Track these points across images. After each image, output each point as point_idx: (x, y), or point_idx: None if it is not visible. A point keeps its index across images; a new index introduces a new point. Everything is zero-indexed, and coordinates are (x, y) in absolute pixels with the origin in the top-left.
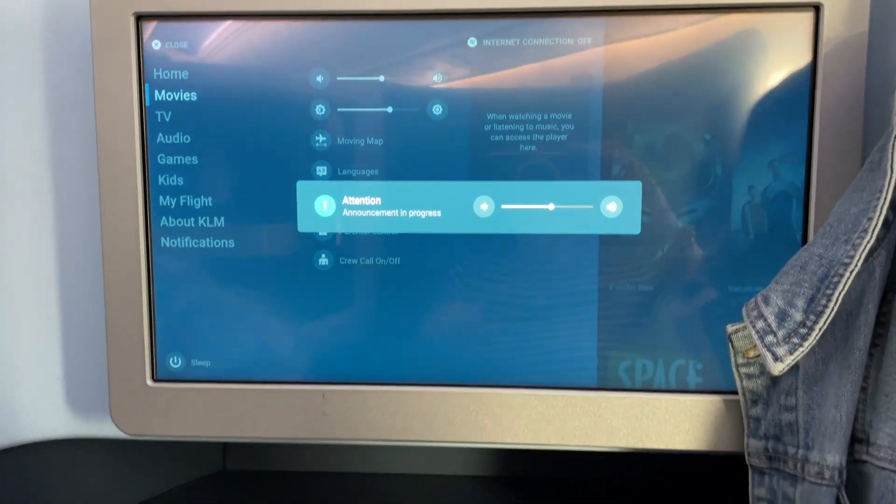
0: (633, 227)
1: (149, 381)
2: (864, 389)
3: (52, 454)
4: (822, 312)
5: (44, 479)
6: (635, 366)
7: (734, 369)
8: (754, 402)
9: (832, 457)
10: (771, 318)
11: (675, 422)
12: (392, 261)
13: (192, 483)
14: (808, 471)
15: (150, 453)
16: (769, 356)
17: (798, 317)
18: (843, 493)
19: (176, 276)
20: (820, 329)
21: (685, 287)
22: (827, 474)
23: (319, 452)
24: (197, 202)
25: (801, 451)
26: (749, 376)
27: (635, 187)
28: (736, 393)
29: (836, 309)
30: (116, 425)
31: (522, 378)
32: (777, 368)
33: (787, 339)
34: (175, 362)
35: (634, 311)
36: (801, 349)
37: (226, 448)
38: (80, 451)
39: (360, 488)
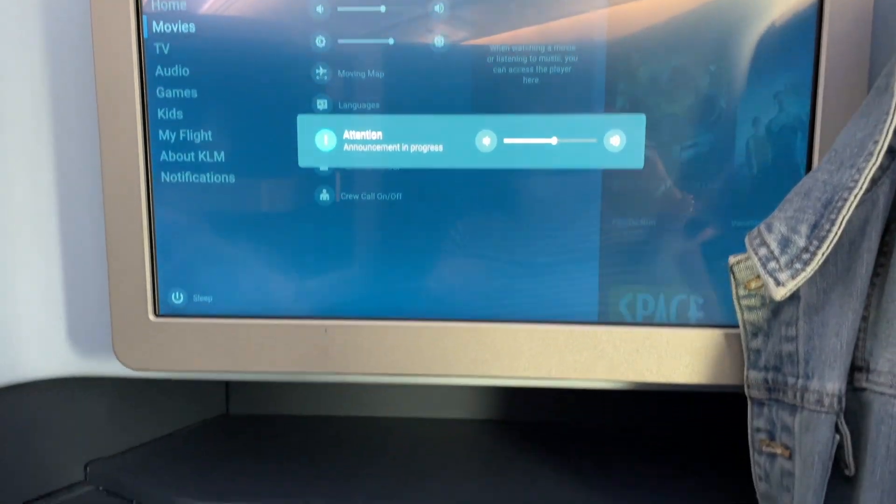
0: (637, 162)
1: (151, 317)
2: (864, 318)
3: (54, 393)
4: (825, 238)
5: (46, 419)
6: (636, 301)
7: (735, 301)
8: (755, 335)
9: (832, 384)
10: (774, 245)
11: (675, 356)
12: (393, 196)
13: (195, 426)
14: (807, 399)
15: (153, 395)
16: (771, 282)
17: (801, 242)
18: (842, 419)
19: (177, 212)
20: (823, 254)
21: (688, 222)
22: (826, 402)
23: (321, 396)
24: (197, 136)
25: (800, 381)
26: (750, 308)
27: (639, 121)
28: (736, 326)
29: (839, 234)
30: (119, 360)
31: (523, 313)
32: (779, 294)
33: (789, 264)
34: (177, 298)
35: (636, 246)
36: (803, 274)
37: (228, 392)
38: (83, 390)
39: (362, 431)
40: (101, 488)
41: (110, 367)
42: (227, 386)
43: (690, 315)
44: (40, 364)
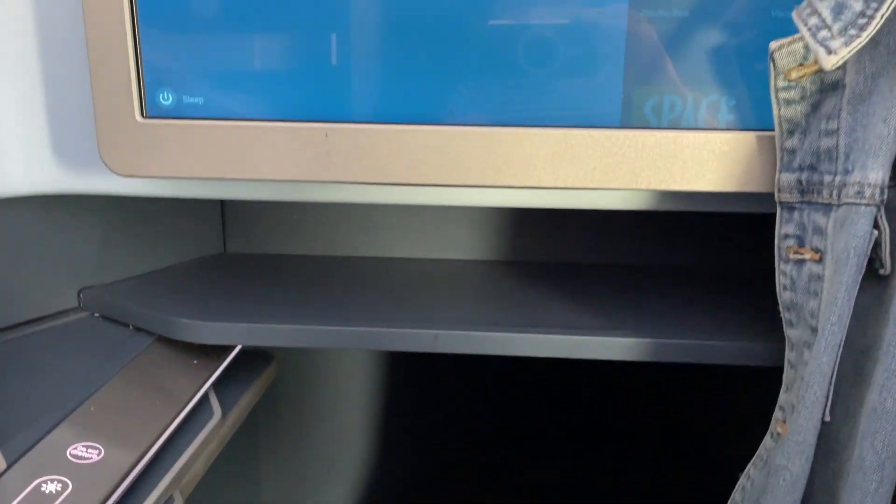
0: None
1: (138, 118)
2: None
3: (44, 214)
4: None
5: (36, 240)
6: (663, 103)
7: (773, 96)
8: (791, 133)
9: (874, 174)
10: (826, 13)
11: (701, 161)
12: None
13: (191, 262)
14: (845, 194)
15: (148, 228)
16: (822, 50)
17: (857, 6)
18: (882, 213)
19: (162, 3)
20: (882, 16)
21: (723, 12)
22: (867, 193)
23: (322, 235)
24: None
25: (838, 178)
26: (788, 102)
27: None
28: (768, 129)
29: None
30: (106, 164)
31: (540, 117)
32: (830, 63)
33: (843, 31)
34: (165, 98)
35: (666, 42)
36: (858, 41)
37: (225, 228)
38: (73, 215)
39: (364, 269)
40: (95, 314)
41: (99, 183)
42: (224, 222)
43: (720, 118)
44: (24, 179)
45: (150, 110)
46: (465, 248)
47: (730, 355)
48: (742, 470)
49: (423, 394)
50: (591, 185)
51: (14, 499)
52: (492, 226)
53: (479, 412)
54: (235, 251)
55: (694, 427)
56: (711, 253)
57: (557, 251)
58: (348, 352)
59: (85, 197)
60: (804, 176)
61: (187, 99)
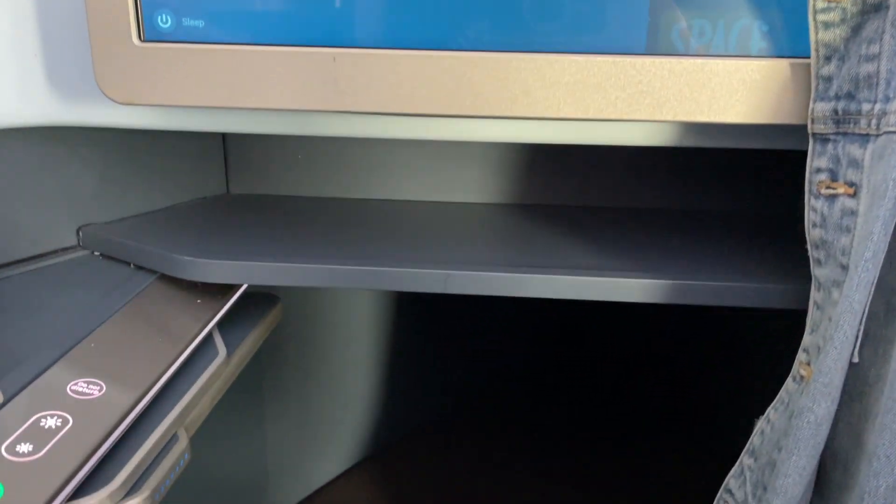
0: None
1: (135, 41)
2: None
3: (40, 148)
4: None
5: (33, 175)
6: (691, 28)
7: (810, 19)
8: (828, 59)
9: None
10: None
11: (730, 90)
12: None
13: (193, 202)
14: (885, 122)
15: (148, 166)
16: None
17: None
18: None
19: None
20: None
21: None
22: None
23: (327, 176)
24: None
25: (878, 106)
26: (827, 25)
27: None
28: (803, 57)
29: None
30: (103, 91)
31: (559, 43)
32: None
33: None
34: (164, 21)
35: None
36: None
37: (228, 168)
38: (71, 150)
39: (370, 211)
40: (95, 253)
41: (96, 114)
42: (227, 162)
43: (752, 45)
44: (17, 109)
45: (149, 34)
46: (477, 190)
47: (752, 297)
48: (757, 416)
49: (428, 336)
50: (613, 116)
51: (13, 433)
52: (505, 167)
53: (486, 353)
54: (239, 192)
55: (707, 369)
56: (733, 196)
57: (573, 194)
58: (353, 295)
59: (82, 130)
60: (840, 105)
61: (187, 21)
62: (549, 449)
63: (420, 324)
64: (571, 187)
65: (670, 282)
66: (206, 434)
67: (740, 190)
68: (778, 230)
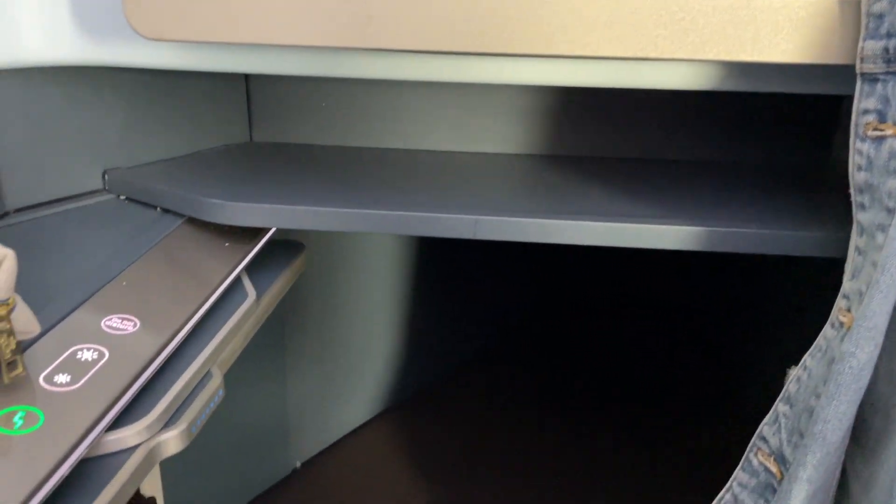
0: None
1: None
2: None
3: (66, 88)
4: None
5: (58, 117)
6: None
7: None
8: None
9: None
10: None
11: (776, 28)
12: None
13: (216, 149)
14: None
15: (171, 111)
16: None
17: None
18: None
19: None
20: None
21: None
22: None
23: (350, 125)
24: None
25: None
26: None
27: None
28: None
29: None
30: (130, 24)
31: None
32: None
33: None
34: None
35: None
36: None
37: (251, 116)
38: (96, 93)
39: (394, 162)
40: (121, 197)
41: (122, 53)
42: (250, 109)
43: None
44: (43, 48)
45: None
46: (505, 140)
47: (788, 245)
48: (788, 366)
49: (449, 287)
50: (654, 55)
51: (50, 364)
52: (533, 117)
53: (508, 304)
54: (262, 140)
55: (729, 320)
56: (763, 146)
57: (603, 146)
58: (374, 245)
59: (106, 71)
60: (892, 43)
61: None
62: (572, 398)
63: (440, 275)
64: (601, 138)
65: (705, 229)
66: (229, 379)
67: (771, 140)
68: (808, 179)
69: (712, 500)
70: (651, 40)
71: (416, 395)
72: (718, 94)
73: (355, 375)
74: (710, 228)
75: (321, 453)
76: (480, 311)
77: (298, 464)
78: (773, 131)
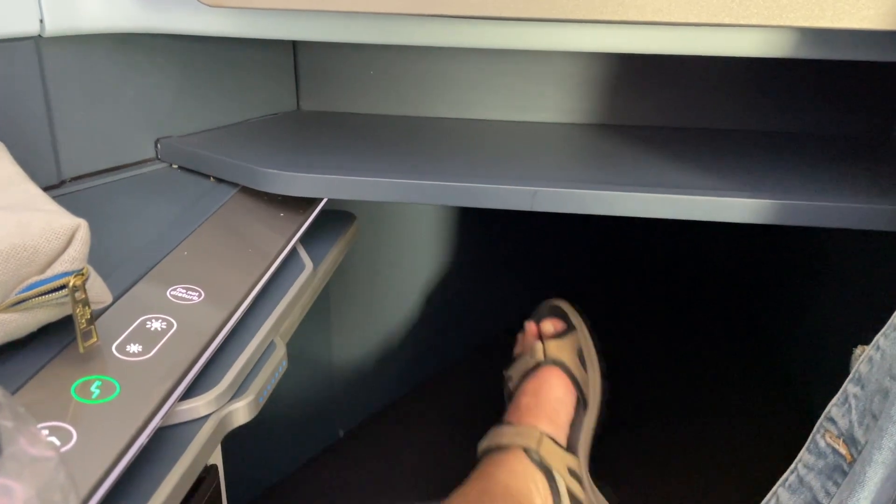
0: None
1: None
2: None
3: (120, 55)
4: None
5: (112, 85)
6: None
7: None
8: None
9: None
10: None
11: None
12: None
13: (264, 118)
14: None
15: (222, 81)
16: None
17: None
18: None
19: None
20: None
21: None
22: None
23: (398, 94)
24: None
25: None
26: None
27: None
28: None
29: None
30: None
31: None
32: None
33: None
34: None
35: None
36: None
37: (299, 84)
38: (149, 61)
39: (445, 131)
40: (173, 165)
41: (177, 20)
42: (298, 78)
43: None
44: (101, 14)
45: None
46: (558, 109)
47: (858, 219)
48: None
49: (494, 258)
50: (728, 21)
51: (122, 334)
52: (588, 85)
53: (557, 274)
54: (309, 108)
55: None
56: (828, 117)
57: (660, 115)
58: (421, 216)
59: (160, 39)
60: None
61: None
62: (617, 371)
63: (487, 246)
64: (657, 107)
65: (772, 202)
66: (295, 344)
67: (835, 111)
68: (872, 151)
69: (762, 478)
70: (725, 5)
71: (455, 366)
72: (777, 62)
73: (399, 345)
74: (776, 201)
75: (364, 422)
76: (526, 283)
77: (342, 432)
78: (833, 101)
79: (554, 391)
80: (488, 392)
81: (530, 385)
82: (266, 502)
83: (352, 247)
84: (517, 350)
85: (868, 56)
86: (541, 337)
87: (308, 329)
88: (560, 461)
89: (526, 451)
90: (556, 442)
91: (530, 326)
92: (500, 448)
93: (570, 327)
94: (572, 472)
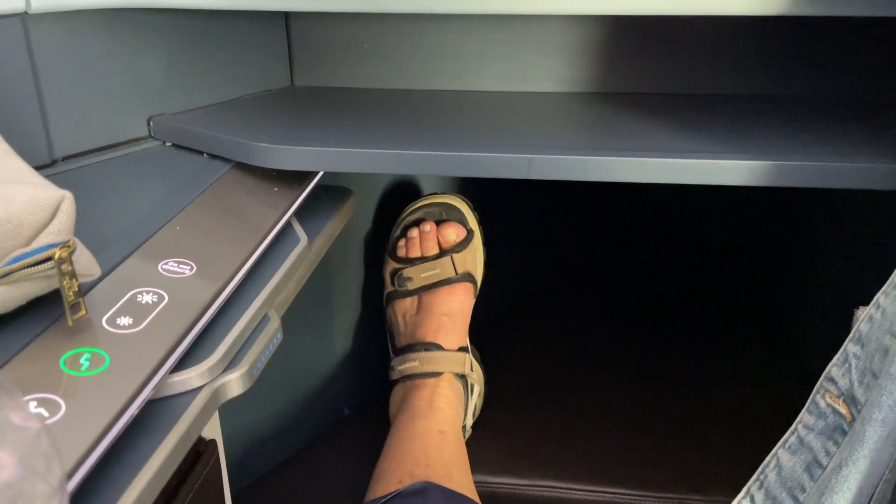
0: None
1: None
2: None
3: (102, 29)
4: None
5: (102, 63)
6: None
7: None
8: None
9: None
10: None
11: None
12: None
13: (259, 94)
14: None
15: (213, 57)
16: None
17: None
18: None
19: None
20: None
21: None
22: None
23: (392, 67)
24: None
25: None
26: None
27: None
28: None
29: None
30: None
31: None
32: None
33: None
34: None
35: None
36: None
37: (292, 60)
38: (139, 37)
39: (440, 103)
40: (166, 143)
41: None
42: (291, 53)
43: None
44: None
45: None
46: (554, 79)
47: (860, 178)
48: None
49: (495, 230)
50: None
51: (112, 306)
52: (584, 53)
53: (557, 248)
54: (303, 84)
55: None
56: (827, 80)
57: (659, 82)
58: (421, 186)
59: (149, 14)
60: None
61: None
62: (622, 343)
63: (486, 219)
64: (655, 74)
65: (773, 163)
66: (283, 324)
67: (834, 73)
68: (877, 114)
69: (766, 442)
70: None
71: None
72: (773, 26)
73: None
74: (777, 162)
75: (368, 401)
76: (528, 256)
77: (347, 411)
78: (839, 64)
79: (467, 305)
80: (493, 364)
81: (446, 303)
82: (271, 481)
83: (352, 224)
84: (412, 249)
85: (866, 12)
86: (440, 244)
87: (311, 308)
88: (475, 370)
89: (458, 375)
90: (472, 355)
91: (431, 229)
92: (433, 374)
93: (469, 233)
94: (473, 368)
